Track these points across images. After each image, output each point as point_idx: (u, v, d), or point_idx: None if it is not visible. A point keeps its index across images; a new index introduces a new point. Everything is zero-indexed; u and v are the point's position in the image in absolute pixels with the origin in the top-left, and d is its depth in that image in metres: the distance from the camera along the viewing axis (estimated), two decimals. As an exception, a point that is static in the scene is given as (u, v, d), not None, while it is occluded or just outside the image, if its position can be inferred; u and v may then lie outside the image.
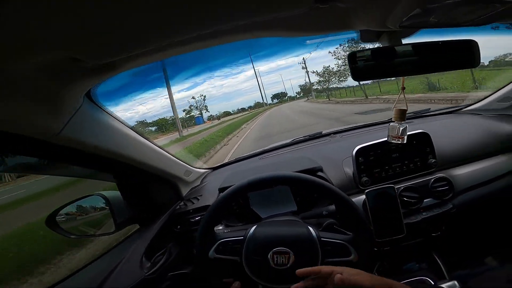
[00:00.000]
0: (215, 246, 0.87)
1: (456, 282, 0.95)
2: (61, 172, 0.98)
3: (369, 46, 0.76)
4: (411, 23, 0.62)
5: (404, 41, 0.76)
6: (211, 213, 0.89)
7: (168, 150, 1.16)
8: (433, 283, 1.08)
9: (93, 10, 0.37)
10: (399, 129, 0.91)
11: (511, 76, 1.41)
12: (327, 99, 24.59)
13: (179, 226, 1.16)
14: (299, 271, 0.76)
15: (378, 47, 0.73)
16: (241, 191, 0.91)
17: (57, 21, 0.38)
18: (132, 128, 0.94)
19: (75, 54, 0.50)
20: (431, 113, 1.65)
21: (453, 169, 1.19)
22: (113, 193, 1.04)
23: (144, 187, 1.10)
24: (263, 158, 1.52)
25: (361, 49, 0.73)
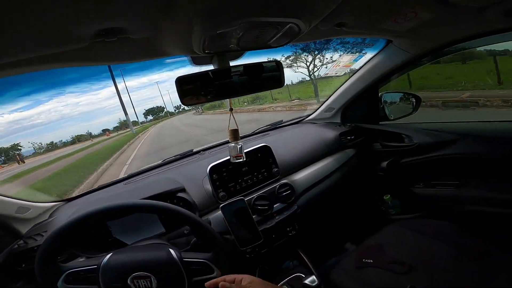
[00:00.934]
0: (62, 277, 0.79)
1: (314, 277, 1.07)
2: None
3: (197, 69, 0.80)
4: (214, 49, 0.65)
5: (233, 63, 0.82)
6: (46, 245, 0.79)
7: None
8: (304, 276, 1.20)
9: None
10: (237, 148, 1.00)
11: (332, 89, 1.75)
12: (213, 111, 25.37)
13: (23, 265, 0.99)
14: (207, 284, 0.75)
15: (200, 72, 0.74)
16: (78, 223, 0.81)
17: None
18: None
19: None
20: (283, 125, 1.86)
21: (293, 175, 1.35)
22: None
23: None
24: (128, 183, 1.39)
25: (188, 74, 0.74)
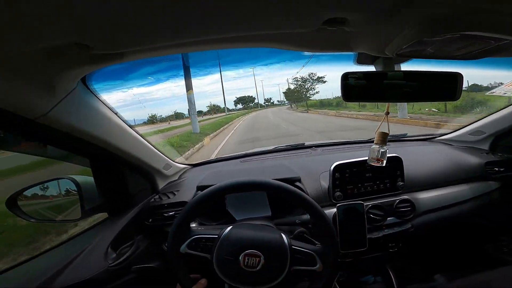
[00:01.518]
0: (188, 241, 0.87)
1: None
2: (35, 151, 0.94)
3: (363, 68, 0.79)
4: (407, 52, 0.64)
5: (397, 67, 0.79)
6: (189, 209, 0.89)
7: (151, 141, 1.15)
8: None
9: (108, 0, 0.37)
10: (380, 151, 0.99)
11: (484, 110, 1.51)
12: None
13: (151, 220, 1.15)
14: None
15: (371, 71, 0.75)
16: (223, 191, 0.92)
17: (72, 7, 0.37)
18: (121, 117, 0.94)
19: (85, 41, 0.49)
20: (407, 139, 1.75)
21: (417, 193, 1.27)
22: (85, 178, 1.02)
23: (120, 175, 1.08)
24: (244, 161, 1.53)
25: (355, 70, 0.74)
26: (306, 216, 1.08)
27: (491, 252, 1.46)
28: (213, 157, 1.52)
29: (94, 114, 0.81)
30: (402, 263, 1.36)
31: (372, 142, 1.56)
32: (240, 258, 0.83)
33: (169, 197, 1.19)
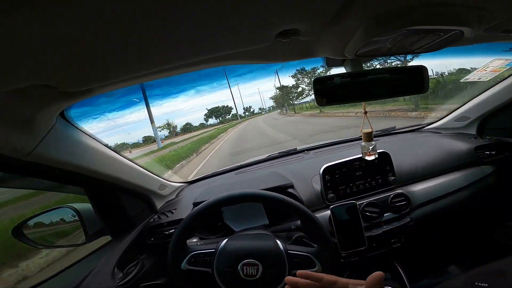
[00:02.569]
0: (187, 258, 0.91)
1: None
2: (29, 185, 0.97)
3: (334, 71, 0.82)
4: (366, 52, 0.67)
5: (366, 67, 0.82)
6: (183, 226, 0.93)
7: (143, 165, 1.19)
8: None
9: (71, 41, 0.38)
10: (369, 147, 1.02)
11: (467, 96, 1.53)
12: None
13: (152, 239, 1.18)
14: (299, 272, 0.65)
15: (340, 73, 0.77)
16: (213, 206, 0.95)
17: (36, 52, 0.39)
18: (106, 145, 0.96)
19: (48, 82, 0.51)
20: (396, 131, 1.75)
21: (410, 186, 1.27)
22: (84, 206, 1.06)
23: (117, 200, 1.12)
24: (238, 173, 1.55)
25: (325, 75, 0.77)
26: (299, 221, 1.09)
27: (499, 238, 1.45)
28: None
29: (79, 146, 0.83)
30: (411, 258, 1.35)
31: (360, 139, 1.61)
32: (239, 268, 0.86)
33: (167, 216, 1.22)
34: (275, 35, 0.53)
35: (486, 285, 0.93)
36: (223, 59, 0.66)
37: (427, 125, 1.72)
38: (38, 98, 0.58)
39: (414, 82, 0.78)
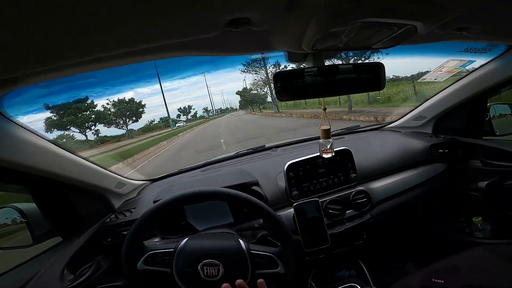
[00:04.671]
0: (143, 257, 0.87)
1: None
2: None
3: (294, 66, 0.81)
4: (324, 46, 0.67)
5: (328, 63, 0.82)
6: (138, 225, 0.89)
7: (98, 162, 1.13)
8: None
9: None
10: (327, 145, 1.04)
11: (424, 96, 1.61)
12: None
13: (109, 239, 1.13)
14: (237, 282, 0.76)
15: (298, 68, 0.76)
16: (170, 205, 0.91)
17: None
18: (51, 140, 0.90)
19: None
20: (360, 129, 1.81)
21: (371, 183, 1.31)
22: (29, 205, 0.99)
23: (65, 200, 1.06)
24: (205, 170, 1.52)
25: (285, 69, 0.77)
26: None
27: (452, 234, 1.52)
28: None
29: (17, 142, 0.77)
30: (372, 256, 1.39)
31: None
32: (199, 268, 0.83)
33: (125, 215, 1.17)
34: (225, 24, 0.50)
35: (442, 281, 0.97)
36: (173, 49, 0.62)
37: (388, 124, 1.78)
38: None
39: (372, 79, 0.79)
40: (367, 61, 0.83)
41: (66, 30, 0.40)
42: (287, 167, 1.20)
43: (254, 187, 1.19)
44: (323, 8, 0.48)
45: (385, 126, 1.79)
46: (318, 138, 1.66)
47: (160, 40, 0.53)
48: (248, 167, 1.37)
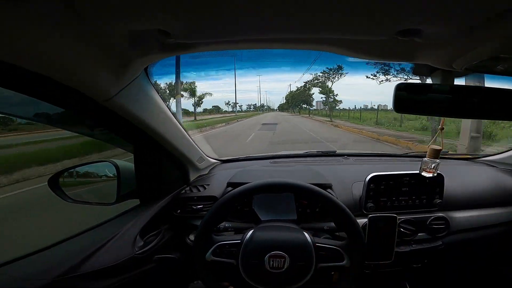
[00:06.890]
0: (212, 248, 0.88)
1: None
2: (85, 131, 0.99)
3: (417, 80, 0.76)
4: (476, 68, 0.61)
5: (457, 81, 0.74)
6: (219, 205, 0.90)
7: (190, 134, 1.18)
8: None
9: None
10: (432, 164, 1.05)
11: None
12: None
13: (179, 211, 1.17)
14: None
15: (428, 83, 0.73)
16: (257, 190, 0.92)
17: None
18: (168, 107, 0.98)
19: (168, 28, 0.52)
20: (449, 156, 1.69)
21: (454, 211, 1.23)
22: (126, 164, 1.06)
23: (158, 163, 1.11)
24: (274, 163, 1.53)
25: (410, 81, 0.72)
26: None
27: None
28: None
29: (149, 103, 0.86)
30: (422, 281, 1.34)
31: (406, 156, 1.67)
32: (265, 260, 0.84)
33: (199, 190, 1.21)
34: (396, 32, 0.50)
35: None
36: (328, 43, 0.63)
37: (484, 156, 1.63)
38: (144, 44, 0.60)
39: (507, 107, 0.71)
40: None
41: (234, 12, 0.46)
42: (370, 178, 1.16)
43: (328, 190, 1.16)
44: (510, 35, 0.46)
45: (479, 158, 1.64)
46: (396, 156, 1.65)
47: (329, 33, 0.55)
48: (321, 169, 1.35)
